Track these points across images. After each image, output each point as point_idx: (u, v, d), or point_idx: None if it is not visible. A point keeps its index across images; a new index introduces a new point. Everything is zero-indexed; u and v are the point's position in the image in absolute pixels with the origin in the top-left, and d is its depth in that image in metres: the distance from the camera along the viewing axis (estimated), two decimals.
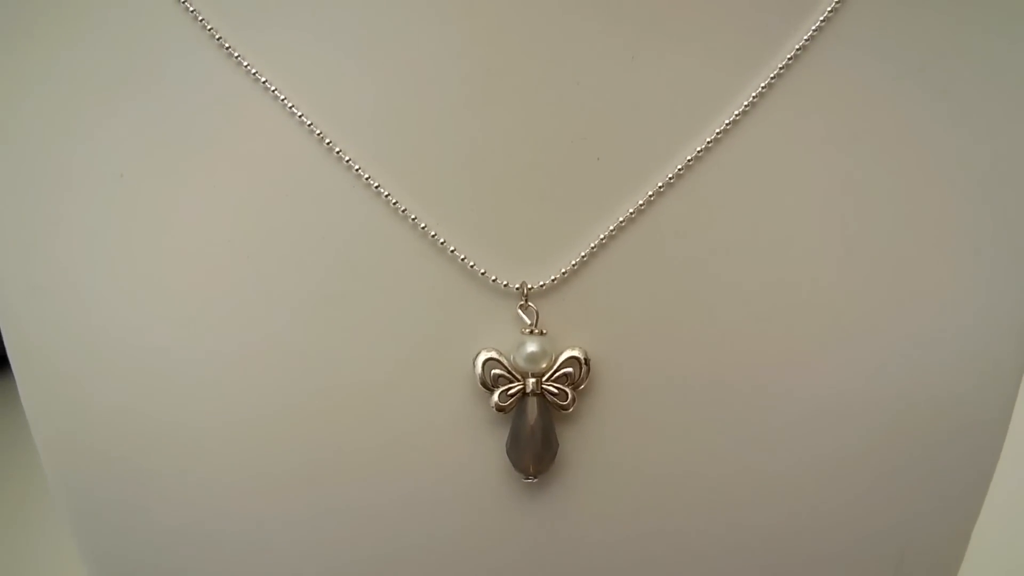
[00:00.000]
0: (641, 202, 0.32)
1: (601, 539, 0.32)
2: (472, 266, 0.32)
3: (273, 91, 0.32)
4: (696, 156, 0.32)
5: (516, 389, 0.32)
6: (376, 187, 0.32)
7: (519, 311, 0.32)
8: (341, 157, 0.32)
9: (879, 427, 0.32)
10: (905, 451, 0.32)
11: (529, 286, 0.32)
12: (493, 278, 0.32)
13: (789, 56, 0.33)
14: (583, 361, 0.32)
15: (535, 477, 0.32)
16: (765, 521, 0.32)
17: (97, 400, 0.32)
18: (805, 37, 0.33)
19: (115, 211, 0.33)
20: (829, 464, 0.32)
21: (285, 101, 0.32)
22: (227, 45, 0.33)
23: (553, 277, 0.32)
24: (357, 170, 0.32)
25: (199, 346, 0.32)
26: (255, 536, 0.32)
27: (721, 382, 0.32)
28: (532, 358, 0.32)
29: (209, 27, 0.33)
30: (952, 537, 0.34)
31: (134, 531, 0.33)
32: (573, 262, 0.32)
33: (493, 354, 0.32)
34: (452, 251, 0.32)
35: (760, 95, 0.32)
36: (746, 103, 0.32)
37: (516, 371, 0.32)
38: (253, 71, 0.32)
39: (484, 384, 0.32)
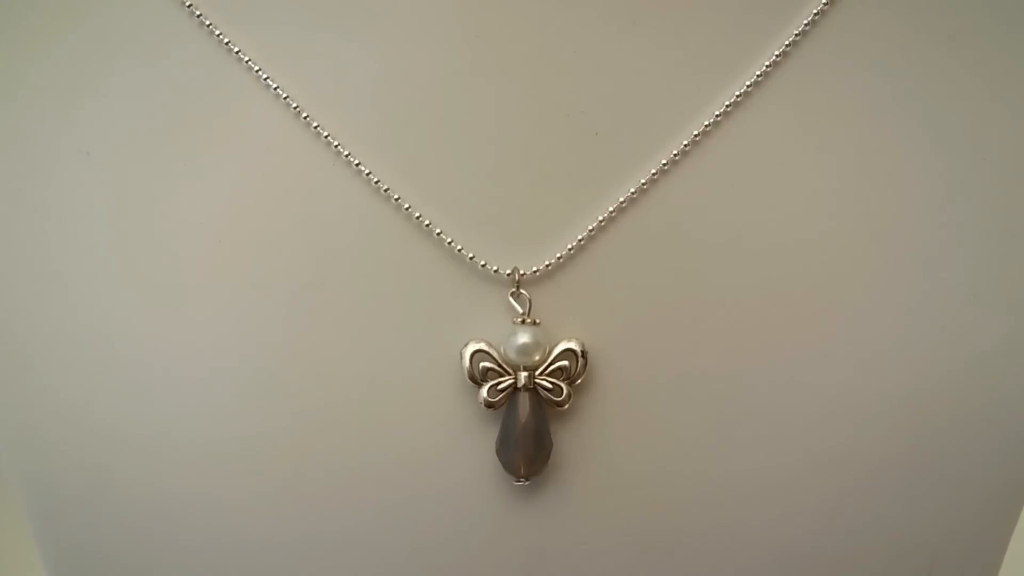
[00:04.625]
0: (643, 181, 0.31)
1: (597, 547, 0.31)
2: (460, 250, 0.31)
3: (252, 67, 0.32)
4: (703, 131, 0.32)
5: (507, 383, 0.31)
6: (356, 165, 0.31)
7: (510, 299, 0.31)
8: (320, 133, 0.32)
9: (903, 425, 0.31)
10: (935, 452, 0.32)
11: (521, 272, 0.31)
12: (482, 263, 0.31)
13: (796, 33, 0.32)
14: (580, 354, 0.31)
15: (527, 479, 0.31)
16: (778, 528, 0.31)
17: (60, 393, 0.32)
18: (815, 12, 0.32)
19: (85, 196, 0.32)
20: (847, 464, 0.31)
21: (267, 80, 0.32)
22: (208, 23, 0.32)
23: (547, 262, 0.31)
24: (336, 147, 0.31)
25: (171, 338, 0.31)
26: (227, 538, 0.31)
27: (730, 376, 0.31)
28: (524, 350, 0.31)
29: (189, 4, 0.32)
30: (987, 545, 0.33)
31: (95, 529, 0.32)
32: (569, 246, 0.31)
33: (482, 345, 0.31)
34: (438, 234, 0.31)
35: (773, 64, 0.32)
36: (758, 73, 0.32)
37: (507, 364, 0.31)
38: (230, 44, 0.32)
39: (472, 378, 0.31)
